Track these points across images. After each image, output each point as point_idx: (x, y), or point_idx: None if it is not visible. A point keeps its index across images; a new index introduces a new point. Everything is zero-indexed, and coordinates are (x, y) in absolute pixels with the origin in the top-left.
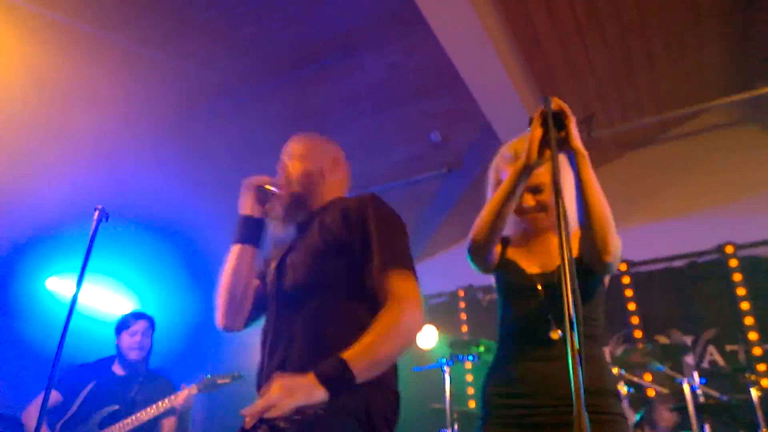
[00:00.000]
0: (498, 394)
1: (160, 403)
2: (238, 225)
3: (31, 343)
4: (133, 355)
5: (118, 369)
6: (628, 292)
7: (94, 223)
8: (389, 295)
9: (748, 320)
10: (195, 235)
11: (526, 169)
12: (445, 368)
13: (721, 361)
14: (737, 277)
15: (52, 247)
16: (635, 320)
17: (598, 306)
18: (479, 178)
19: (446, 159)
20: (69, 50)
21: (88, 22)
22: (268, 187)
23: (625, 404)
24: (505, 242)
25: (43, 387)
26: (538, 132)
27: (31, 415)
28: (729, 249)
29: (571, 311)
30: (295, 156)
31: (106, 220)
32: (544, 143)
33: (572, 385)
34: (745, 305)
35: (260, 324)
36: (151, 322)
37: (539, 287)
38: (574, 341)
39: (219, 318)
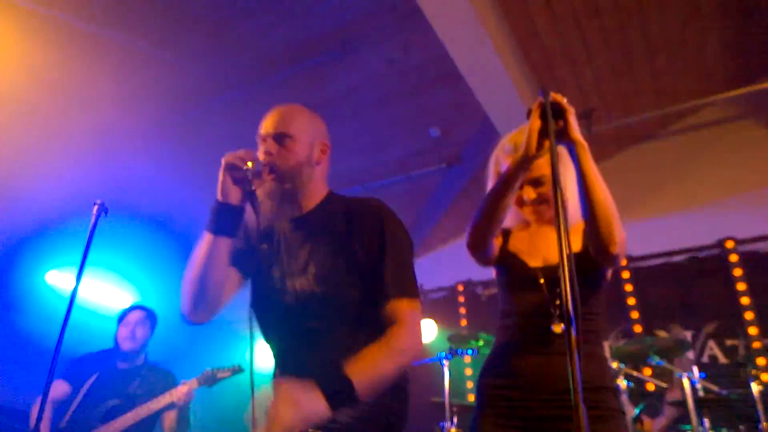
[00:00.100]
0: (495, 385)
1: (160, 398)
2: (213, 212)
3: (31, 337)
4: (126, 346)
5: (120, 362)
6: (628, 287)
7: (93, 218)
8: (394, 319)
9: (748, 315)
10: (194, 229)
11: (526, 161)
12: (444, 362)
13: (721, 356)
14: (737, 272)
15: (52, 241)
16: (635, 315)
17: (601, 300)
18: (478, 172)
19: (445, 154)
20: (67, 47)
21: (85, 19)
22: (249, 164)
23: (624, 398)
24: (506, 234)
25: (43, 381)
26: (536, 123)
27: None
28: (729, 244)
29: (570, 305)
30: (282, 132)
31: (106, 215)
32: (543, 134)
33: (570, 380)
34: (745, 300)
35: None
36: (148, 313)
37: (541, 280)
38: (573, 336)
39: (187, 310)
